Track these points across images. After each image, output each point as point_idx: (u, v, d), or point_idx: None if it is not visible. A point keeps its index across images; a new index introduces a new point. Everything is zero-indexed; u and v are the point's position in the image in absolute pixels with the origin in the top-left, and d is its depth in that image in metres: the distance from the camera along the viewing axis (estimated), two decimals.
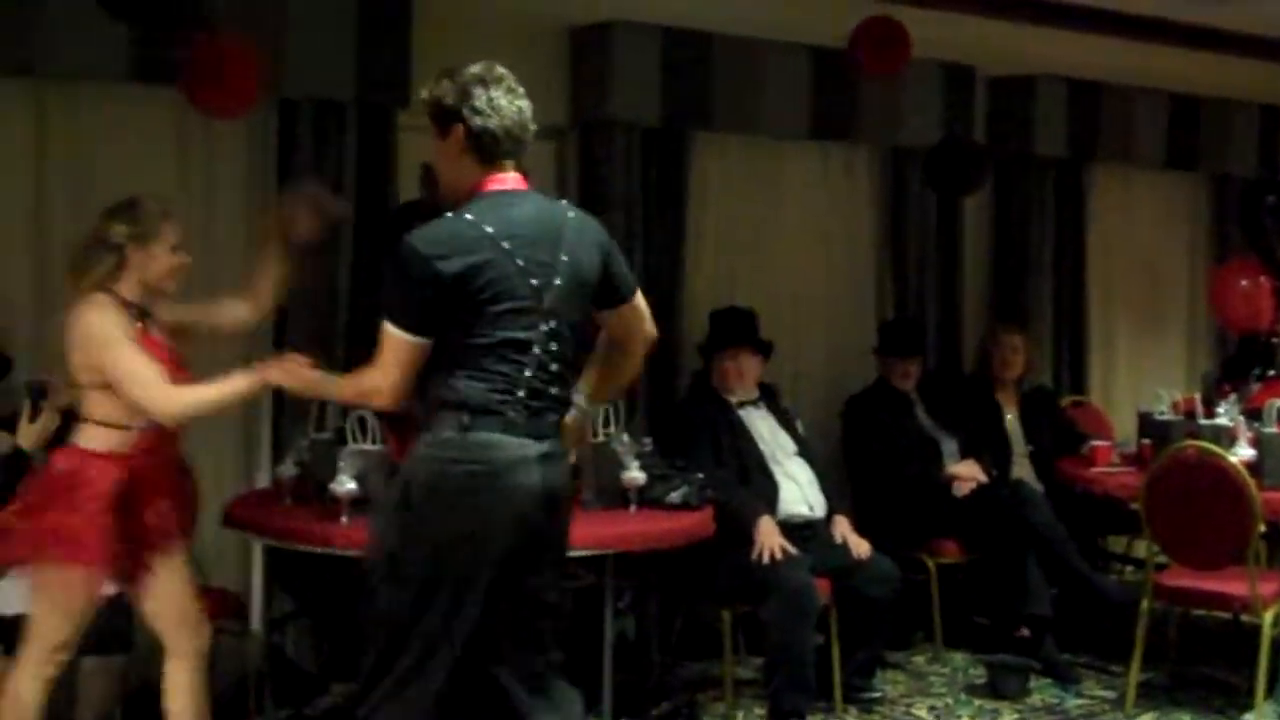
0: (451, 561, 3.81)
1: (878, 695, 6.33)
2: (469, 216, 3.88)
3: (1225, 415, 6.78)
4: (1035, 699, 6.42)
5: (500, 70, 4.04)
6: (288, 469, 5.68)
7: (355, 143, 6.44)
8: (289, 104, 6.31)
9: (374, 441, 5.39)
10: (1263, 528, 5.91)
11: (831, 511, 6.37)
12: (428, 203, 6.59)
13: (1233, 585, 5.97)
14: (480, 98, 3.95)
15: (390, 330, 3.86)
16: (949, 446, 7.24)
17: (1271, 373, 7.78)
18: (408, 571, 3.85)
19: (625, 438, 5.67)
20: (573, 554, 5.33)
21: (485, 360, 3.84)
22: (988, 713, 6.25)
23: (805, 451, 6.52)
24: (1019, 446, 7.47)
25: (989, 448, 7.33)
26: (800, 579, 5.84)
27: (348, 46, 6.34)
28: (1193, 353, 9.55)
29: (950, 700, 6.40)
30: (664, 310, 7.09)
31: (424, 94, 4.06)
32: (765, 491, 6.23)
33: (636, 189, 7.09)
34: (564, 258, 3.93)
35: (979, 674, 6.67)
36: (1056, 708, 6.32)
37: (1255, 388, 7.58)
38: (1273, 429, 6.48)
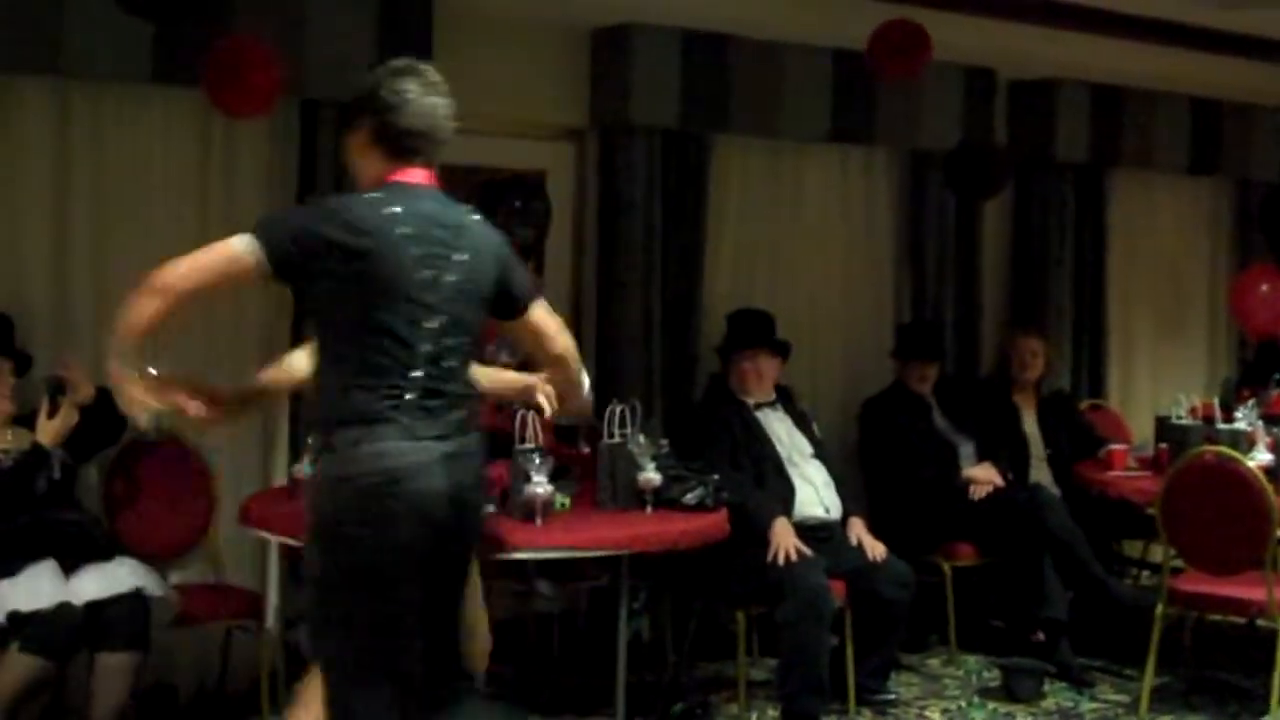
0: (377, 579, 3.73)
1: (892, 697, 6.33)
2: (372, 199, 3.86)
3: (1244, 420, 6.77)
4: (1049, 702, 6.41)
5: (421, 66, 4.03)
6: (304, 467, 5.70)
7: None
8: (310, 104, 6.33)
9: None
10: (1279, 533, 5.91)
11: (847, 514, 6.38)
12: None
13: (1249, 590, 5.95)
14: (391, 92, 3.94)
15: (237, 239, 3.78)
16: (966, 450, 7.24)
17: None
18: (339, 597, 3.78)
19: (642, 439, 5.68)
20: (588, 554, 5.41)
21: (371, 364, 3.76)
22: (1002, 716, 6.25)
23: (822, 453, 6.52)
24: (1036, 450, 7.47)
25: (1006, 451, 7.33)
26: (815, 581, 5.85)
27: (368, 48, 6.35)
28: (1212, 357, 9.53)
29: (964, 703, 6.40)
30: (682, 311, 7.14)
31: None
32: (781, 493, 6.24)
33: (656, 191, 7.10)
34: (459, 257, 3.88)
35: (993, 677, 6.67)
36: (1071, 711, 6.32)
37: (1274, 393, 7.54)
38: None
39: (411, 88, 3.96)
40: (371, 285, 3.76)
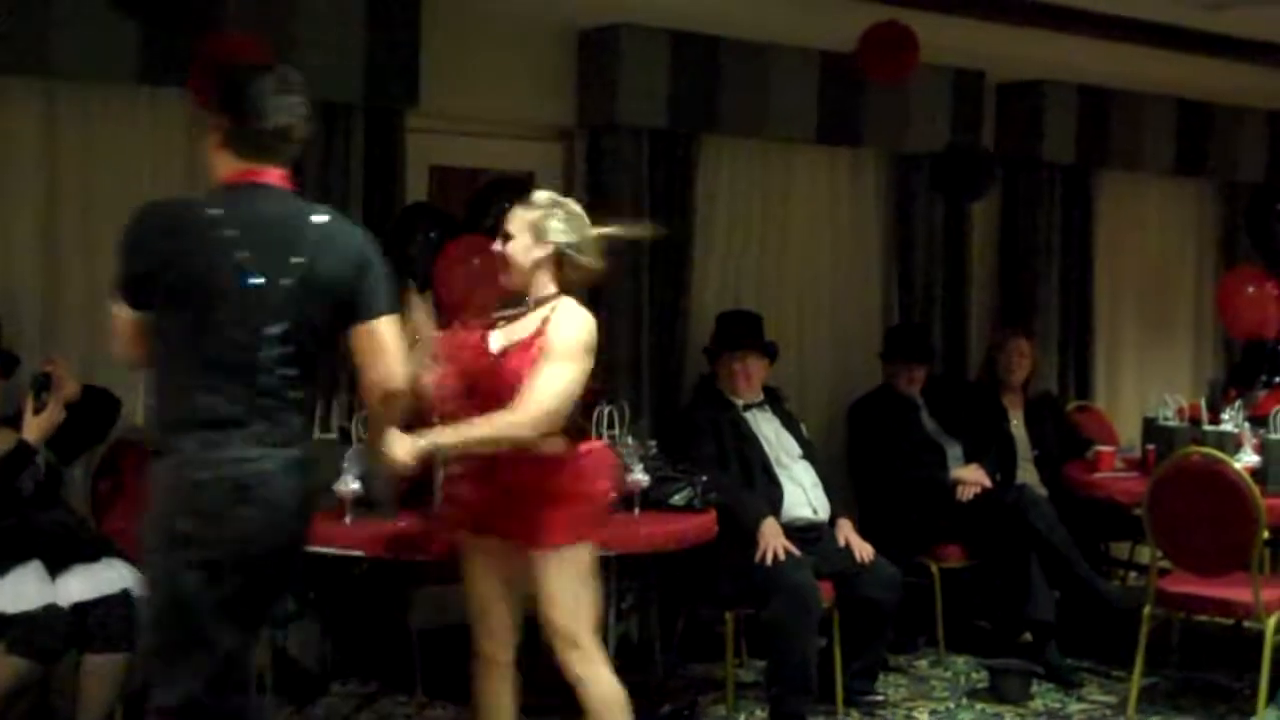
0: (219, 582, 3.70)
1: (880, 698, 6.33)
2: (193, 202, 3.82)
3: (1230, 421, 6.77)
4: (1037, 704, 6.42)
5: (281, 68, 3.98)
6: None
7: (363, 144, 6.46)
8: None
9: None
10: (1266, 534, 5.90)
11: (835, 515, 6.37)
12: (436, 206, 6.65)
13: (1236, 591, 5.97)
14: (244, 93, 3.88)
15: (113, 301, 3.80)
16: (954, 451, 7.25)
17: (1277, 379, 7.77)
18: (180, 594, 3.72)
19: (630, 440, 5.68)
20: None
21: (213, 367, 3.71)
22: (990, 717, 6.26)
23: (809, 455, 6.52)
24: (1024, 451, 7.47)
25: (994, 452, 7.33)
26: (803, 581, 5.86)
27: (356, 49, 6.36)
28: (1199, 359, 9.55)
29: (952, 704, 6.40)
30: (670, 313, 7.13)
31: None
32: (769, 494, 6.24)
33: (644, 192, 7.10)
34: (296, 259, 3.77)
35: (981, 678, 6.67)
36: (1058, 712, 6.32)
37: (1261, 394, 7.58)
38: (1277, 435, 6.48)
39: (266, 89, 3.87)
40: (197, 288, 3.71)
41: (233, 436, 3.70)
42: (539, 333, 4.45)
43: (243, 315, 3.72)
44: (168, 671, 3.77)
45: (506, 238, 4.57)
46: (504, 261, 4.58)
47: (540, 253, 4.52)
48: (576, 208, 4.64)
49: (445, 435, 4.39)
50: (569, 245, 4.53)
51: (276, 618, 4.01)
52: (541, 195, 4.63)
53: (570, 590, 4.52)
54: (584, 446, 4.65)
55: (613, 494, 4.78)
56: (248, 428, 3.71)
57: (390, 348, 3.90)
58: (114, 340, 3.88)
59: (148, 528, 3.79)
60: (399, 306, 4.01)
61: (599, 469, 4.66)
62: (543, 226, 4.53)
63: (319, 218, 3.90)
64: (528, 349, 4.44)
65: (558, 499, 4.50)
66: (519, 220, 4.56)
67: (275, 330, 3.74)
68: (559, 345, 4.42)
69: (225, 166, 3.88)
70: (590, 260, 4.57)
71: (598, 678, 4.59)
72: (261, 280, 3.72)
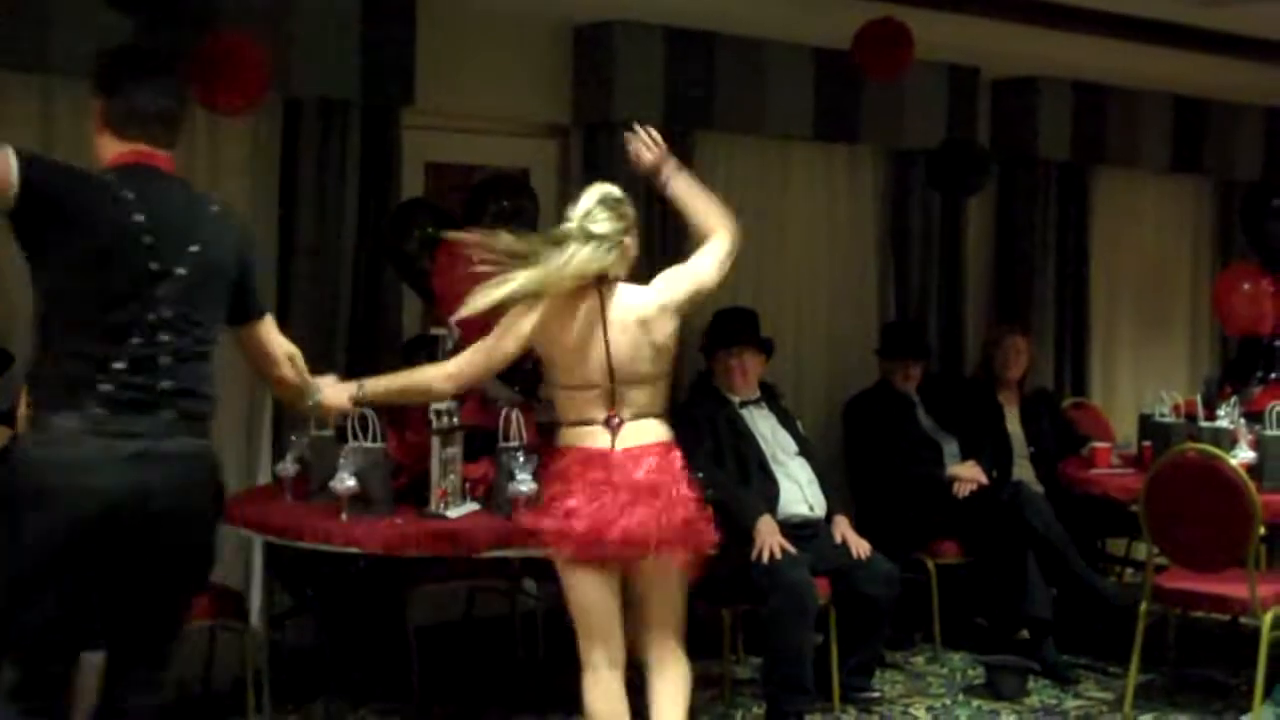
0: (46, 556, 3.62)
1: (876, 695, 6.33)
2: (107, 181, 3.74)
3: (1226, 418, 6.77)
4: (1034, 700, 6.41)
5: (151, 48, 4.03)
6: (288, 466, 5.70)
7: (359, 141, 6.46)
8: (293, 102, 6.33)
9: (374, 439, 5.40)
10: (1262, 530, 5.90)
11: (831, 512, 6.37)
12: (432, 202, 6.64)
13: (1232, 587, 5.97)
14: (117, 73, 3.85)
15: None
16: (950, 448, 7.25)
17: (1273, 376, 7.77)
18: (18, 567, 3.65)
19: None
20: None
21: (83, 349, 3.64)
22: (986, 714, 6.25)
23: (806, 451, 6.52)
24: (1020, 448, 7.47)
25: (990, 449, 7.33)
26: (800, 578, 5.85)
27: (352, 45, 6.36)
28: (1194, 355, 9.57)
29: (949, 701, 6.40)
30: None
31: None
32: (765, 491, 6.23)
33: (639, 189, 7.06)
34: (193, 249, 3.74)
35: (978, 675, 6.67)
36: (1055, 709, 6.32)
37: (1256, 391, 7.57)
38: (1273, 431, 6.48)
39: (138, 70, 3.85)
40: (95, 268, 3.65)
41: (77, 419, 3.62)
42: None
43: (133, 301, 3.67)
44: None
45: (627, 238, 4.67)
46: (629, 262, 4.73)
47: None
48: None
49: (373, 382, 4.70)
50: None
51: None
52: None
53: None
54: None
55: None
56: (94, 413, 3.62)
57: (274, 347, 4.16)
58: None
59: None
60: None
61: None
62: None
63: (213, 207, 3.92)
64: None
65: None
66: (633, 219, 4.72)
67: (155, 318, 3.69)
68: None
69: (109, 148, 3.84)
70: None
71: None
72: (158, 267, 3.69)
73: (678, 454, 4.64)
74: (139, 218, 3.68)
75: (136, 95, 3.82)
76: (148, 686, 3.94)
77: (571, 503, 4.47)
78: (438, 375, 4.74)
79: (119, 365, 3.65)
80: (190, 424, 3.76)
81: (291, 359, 4.23)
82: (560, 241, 4.54)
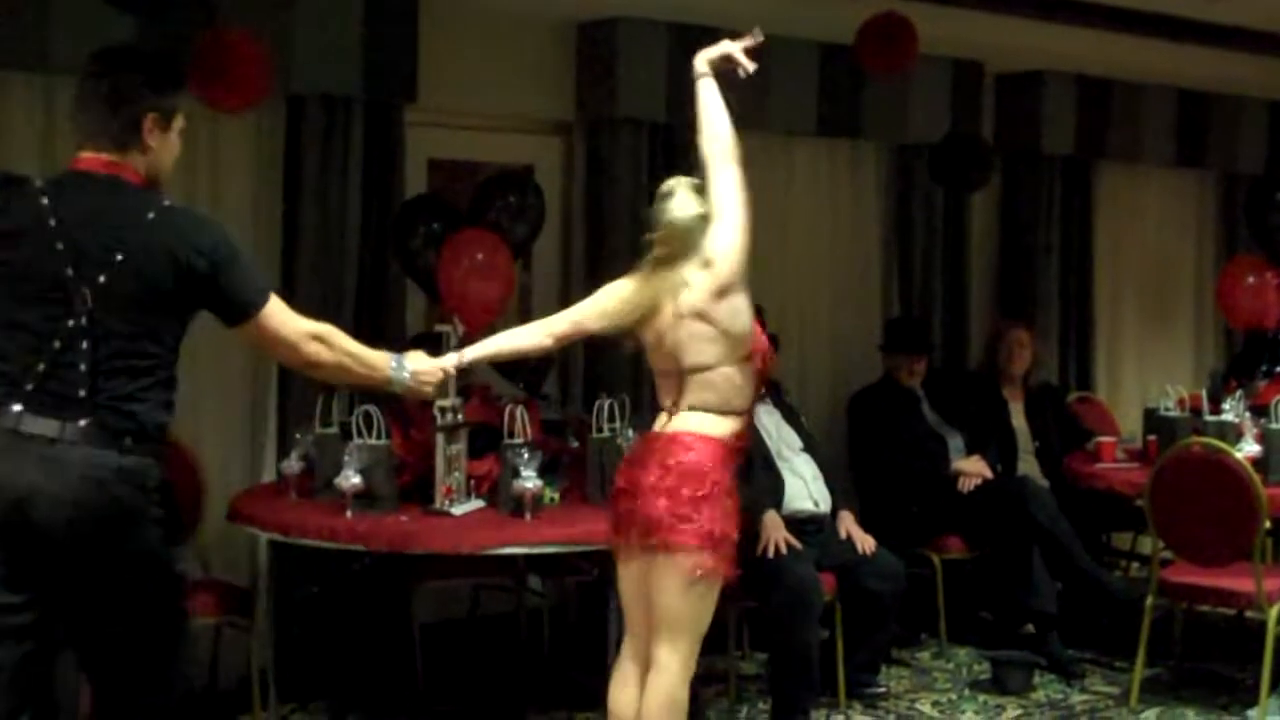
0: None
1: (882, 690, 6.33)
2: (34, 185, 3.66)
3: (1231, 411, 6.76)
4: (1039, 695, 6.41)
5: (100, 50, 3.82)
6: (293, 463, 5.70)
7: (361, 138, 6.45)
8: (296, 99, 6.33)
9: (379, 436, 5.40)
10: (1268, 524, 5.91)
11: (836, 507, 6.37)
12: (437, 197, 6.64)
13: (1238, 581, 5.97)
14: (78, 75, 3.77)
15: None
16: (955, 443, 7.25)
17: (1278, 369, 7.76)
18: None
19: (630, 433, 5.67)
20: (578, 549, 5.40)
21: (9, 347, 3.59)
22: (992, 708, 6.25)
23: (811, 447, 6.52)
24: (1025, 442, 7.47)
25: (995, 444, 7.33)
26: (805, 574, 5.85)
27: (354, 42, 6.36)
28: (1199, 349, 9.55)
29: (954, 695, 6.40)
30: None
31: None
32: (770, 487, 6.23)
33: (643, 185, 7.09)
34: (118, 257, 3.56)
35: (983, 669, 6.66)
36: (1061, 703, 6.32)
37: (1261, 384, 7.56)
38: (1278, 425, 6.47)
39: (84, 72, 3.75)
40: (14, 271, 3.59)
41: (39, 418, 3.57)
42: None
43: (51, 306, 3.58)
44: None
45: None
46: None
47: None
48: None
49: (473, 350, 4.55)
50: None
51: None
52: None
53: None
54: None
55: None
56: (9, 412, 3.57)
57: (289, 332, 3.86)
58: None
59: None
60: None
61: None
62: None
63: (151, 212, 3.64)
64: None
65: None
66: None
67: (72, 324, 3.57)
68: None
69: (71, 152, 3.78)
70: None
71: None
72: (76, 274, 3.57)
73: (718, 449, 4.42)
74: (53, 222, 3.58)
75: (80, 98, 3.73)
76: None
77: (619, 484, 4.50)
78: (538, 334, 4.63)
79: (40, 368, 3.58)
80: (108, 437, 3.57)
81: (322, 338, 3.91)
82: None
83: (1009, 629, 6.97)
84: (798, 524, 6.11)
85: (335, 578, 6.16)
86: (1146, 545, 6.82)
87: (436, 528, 5.22)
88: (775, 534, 5.92)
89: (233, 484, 6.15)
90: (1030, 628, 6.83)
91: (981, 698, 6.37)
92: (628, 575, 4.48)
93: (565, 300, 7.08)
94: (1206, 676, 6.57)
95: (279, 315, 3.84)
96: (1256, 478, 5.90)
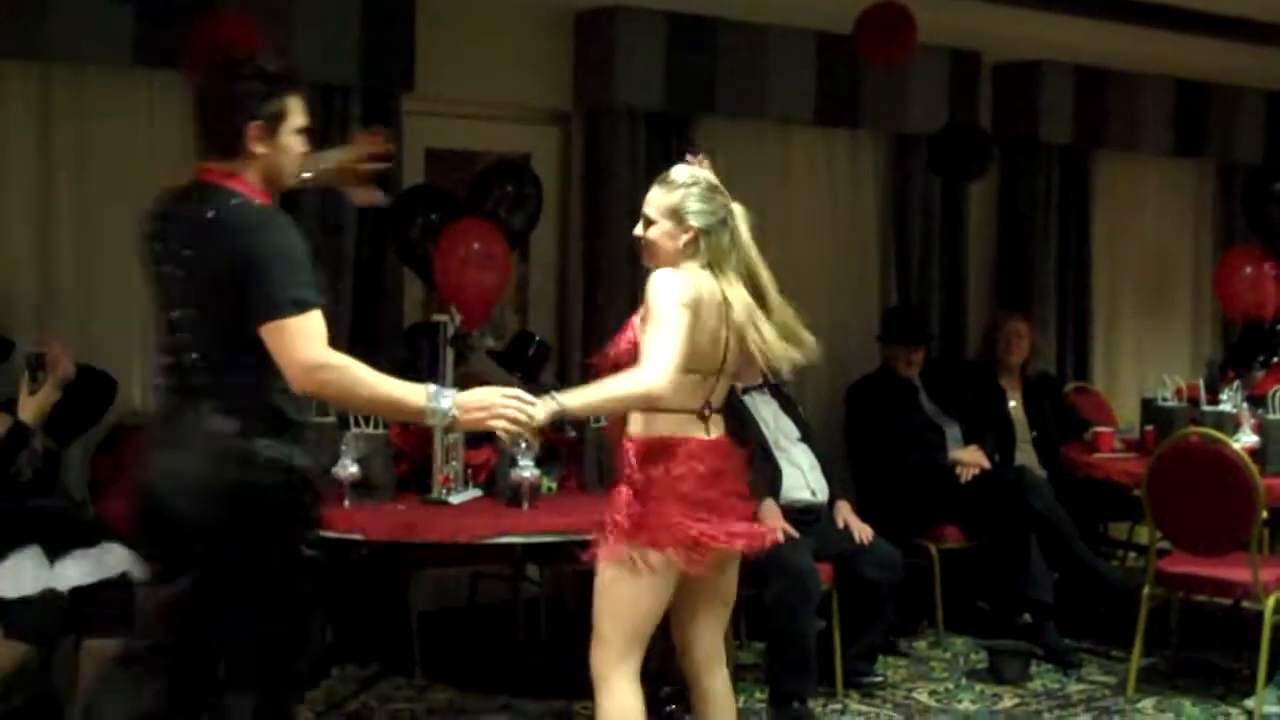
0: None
1: (879, 680, 6.32)
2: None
3: (1228, 402, 6.76)
4: (1036, 684, 6.41)
5: (208, 63, 3.97)
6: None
7: (359, 127, 6.43)
8: None
9: (377, 426, 5.40)
10: (1265, 514, 5.90)
11: (834, 497, 6.37)
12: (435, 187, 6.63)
13: (1235, 571, 5.97)
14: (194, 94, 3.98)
15: None
16: (952, 433, 7.25)
17: (1275, 360, 7.76)
18: None
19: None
20: (575, 538, 5.38)
21: (158, 343, 3.90)
22: (989, 697, 6.25)
23: (808, 437, 6.52)
24: (1022, 432, 7.47)
25: (992, 434, 7.33)
26: (802, 563, 5.85)
27: (352, 30, 6.35)
28: (1197, 339, 9.55)
29: (951, 685, 6.40)
30: None
31: None
32: (768, 476, 6.23)
33: (640, 174, 7.08)
34: (186, 252, 3.72)
35: (980, 659, 6.67)
36: (1058, 693, 6.32)
37: (1259, 374, 7.57)
38: (1275, 415, 6.48)
39: (195, 86, 3.98)
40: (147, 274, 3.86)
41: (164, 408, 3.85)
42: (642, 302, 4.23)
43: (162, 304, 3.82)
44: None
45: (647, 222, 4.34)
46: (646, 248, 4.36)
47: (685, 237, 4.26)
48: (713, 179, 4.41)
49: (570, 398, 4.03)
50: (709, 226, 4.28)
51: None
52: (679, 172, 4.38)
53: None
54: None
55: None
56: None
57: (282, 361, 3.66)
58: None
59: None
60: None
61: None
62: (683, 209, 4.29)
63: (210, 212, 3.73)
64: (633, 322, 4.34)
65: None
66: (658, 204, 4.33)
67: (176, 315, 3.77)
68: (654, 306, 4.10)
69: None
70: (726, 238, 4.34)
71: None
72: (167, 269, 3.78)
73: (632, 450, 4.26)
74: (149, 228, 3.84)
75: (199, 111, 3.92)
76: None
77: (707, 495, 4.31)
78: (652, 379, 4.06)
79: (166, 360, 3.81)
80: (216, 417, 3.68)
81: (329, 368, 3.66)
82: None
83: (1006, 618, 6.97)
84: (795, 513, 6.11)
85: (333, 567, 6.15)
86: (1143, 535, 6.81)
87: (434, 517, 5.22)
88: (773, 524, 5.91)
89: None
90: (1027, 617, 6.83)
91: (978, 687, 6.37)
92: (664, 587, 4.25)
93: (563, 289, 7.11)
94: (1203, 666, 6.57)
95: (294, 337, 3.62)
96: (1254, 468, 5.90)
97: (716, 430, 4.32)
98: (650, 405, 4.13)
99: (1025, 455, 7.38)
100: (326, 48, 6.27)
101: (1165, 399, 7.12)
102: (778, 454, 6.34)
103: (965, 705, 6.15)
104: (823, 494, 6.35)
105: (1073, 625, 6.83)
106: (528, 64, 7.07)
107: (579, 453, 5.77)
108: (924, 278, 8.17)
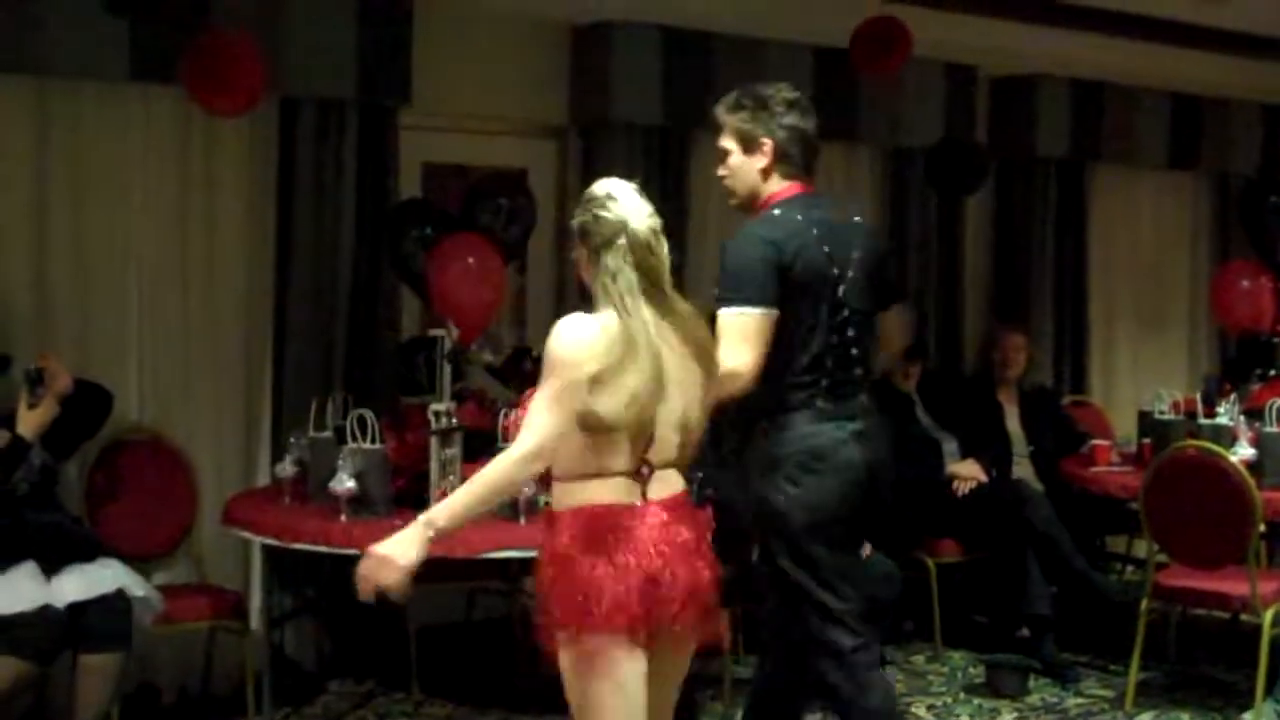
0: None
1: None
2: (792, 214, 4.33)
3: (1225, 415, 6.76)
4: (1035, 698, 6.41)
5: (793, 94, 4.44)
6: (287, 467, 5.69)
7: (356, 141, 6.45)
8: (290, 102, 6.32)
9: (374, 440, 5.39)
10: (1262, 527, 5.90)
11: None
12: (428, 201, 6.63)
13: (1232, 585, 5.97)
14: (785, 117, 4.41)
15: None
16: (949, 446, 7.24)
17: (1272, 372, 7.76)
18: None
19: None
20: None
21: (803, 358, 4.31)
22: (987, 712, 6.24)
23: None
24: (1020, 446, 7.46)
25: (990, 447, 7.32)
26: None
27: (349, 45, 6.35)
28: (1193, 352, 9.55)
29: (949, 699, 6.39)
30: None
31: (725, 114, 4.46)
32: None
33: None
34: (855, 254, 4.35)
35: (978, 673, 6.66)
36: (1056, 707, 6.31)
37: (1255, 387, 7.56)
38: (1273, 428, 6.47)
39: (796, 111, 4.44)
40: (814, 282, 4.29)
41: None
42: None
43: (833, 305, 4.32)
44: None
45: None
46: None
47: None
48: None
49: (438, 512, 3.65)
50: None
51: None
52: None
53: None
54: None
55: None
56: (815, 405, 4.34)
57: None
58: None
59: None
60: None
61: None
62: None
63: (856, 216, 4.60)
64: None
65: None
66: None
67: (840, 317, 4.34)
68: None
69: (775, 184, 4.44)
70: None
71: None
72: (837, 273, 4.32)
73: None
74: (814, 231, 4.33)
75: (803, 133, 4.50)
76: None
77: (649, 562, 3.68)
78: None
79: (828, 362, 4.34)
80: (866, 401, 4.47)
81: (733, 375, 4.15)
82: None
83: (1004, 632, 6.96)
84: None
85: (329, 582, 6.15)
86: (1141, 548, 6.81)
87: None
88: None
89: (227, 488, 6.14)
90: (1025, 631, 6.82)
91: (976, 701, 6.37)
92: (639, 673, 3.60)
93: (560, 304, 7.10)
94: (1201, 680, 6.57)
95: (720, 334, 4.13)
96: (1251, 481, 5.89)
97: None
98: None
99: (1023, 469, 7.37)
100: (323, 62, 6.27)
101: (1162, 412, 7.12)
102: None
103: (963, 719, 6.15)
104: None
105: (1071, 639, 6.83)
106: (524, 79, 7.07)
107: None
108: (921, 291, 8.17)
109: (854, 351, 4.41)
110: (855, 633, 4.44)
